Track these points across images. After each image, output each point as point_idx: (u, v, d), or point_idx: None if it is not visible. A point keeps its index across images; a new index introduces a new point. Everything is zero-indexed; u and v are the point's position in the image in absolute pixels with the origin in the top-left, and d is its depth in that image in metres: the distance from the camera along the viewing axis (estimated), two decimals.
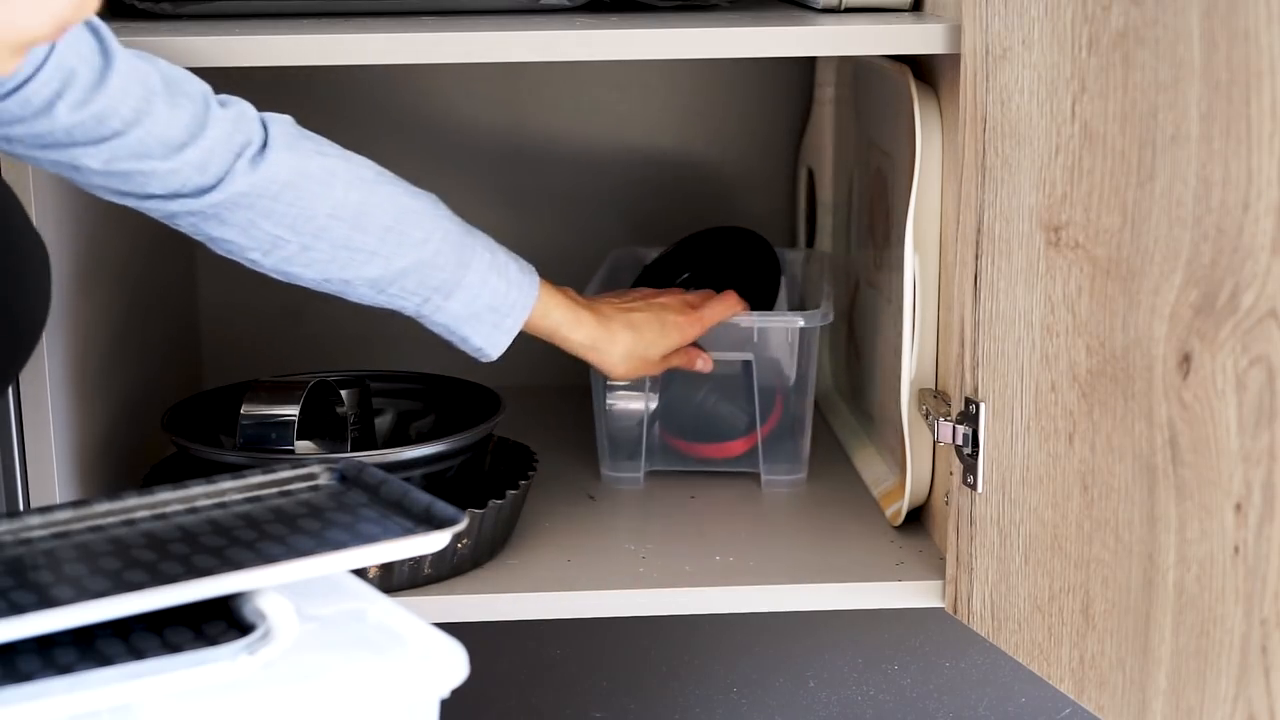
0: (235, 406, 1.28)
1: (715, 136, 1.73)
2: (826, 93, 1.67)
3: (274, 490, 1.03)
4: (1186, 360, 0.99)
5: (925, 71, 1.32)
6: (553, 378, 1.61)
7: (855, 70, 1.58)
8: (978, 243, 1.17)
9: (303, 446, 1.33)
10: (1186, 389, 0.99)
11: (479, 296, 1.20)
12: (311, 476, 1.04)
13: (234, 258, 1.16)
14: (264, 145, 1.12)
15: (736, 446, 1.47)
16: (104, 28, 1.07)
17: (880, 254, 1.46)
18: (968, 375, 1.20)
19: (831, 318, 1.43)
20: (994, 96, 1.14)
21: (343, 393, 1.36)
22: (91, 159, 1.07)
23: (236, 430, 1.26)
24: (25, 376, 1.21)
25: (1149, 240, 1.01)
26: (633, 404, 1.45)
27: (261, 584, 0.88)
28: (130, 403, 1.43)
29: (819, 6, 1.30)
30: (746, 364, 1.43)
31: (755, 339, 1.43)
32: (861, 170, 1.54)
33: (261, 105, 1.14)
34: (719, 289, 1.39)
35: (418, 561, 1.24)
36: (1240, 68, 0.92)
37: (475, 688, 0.93)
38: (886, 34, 1.22)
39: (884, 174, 1.44)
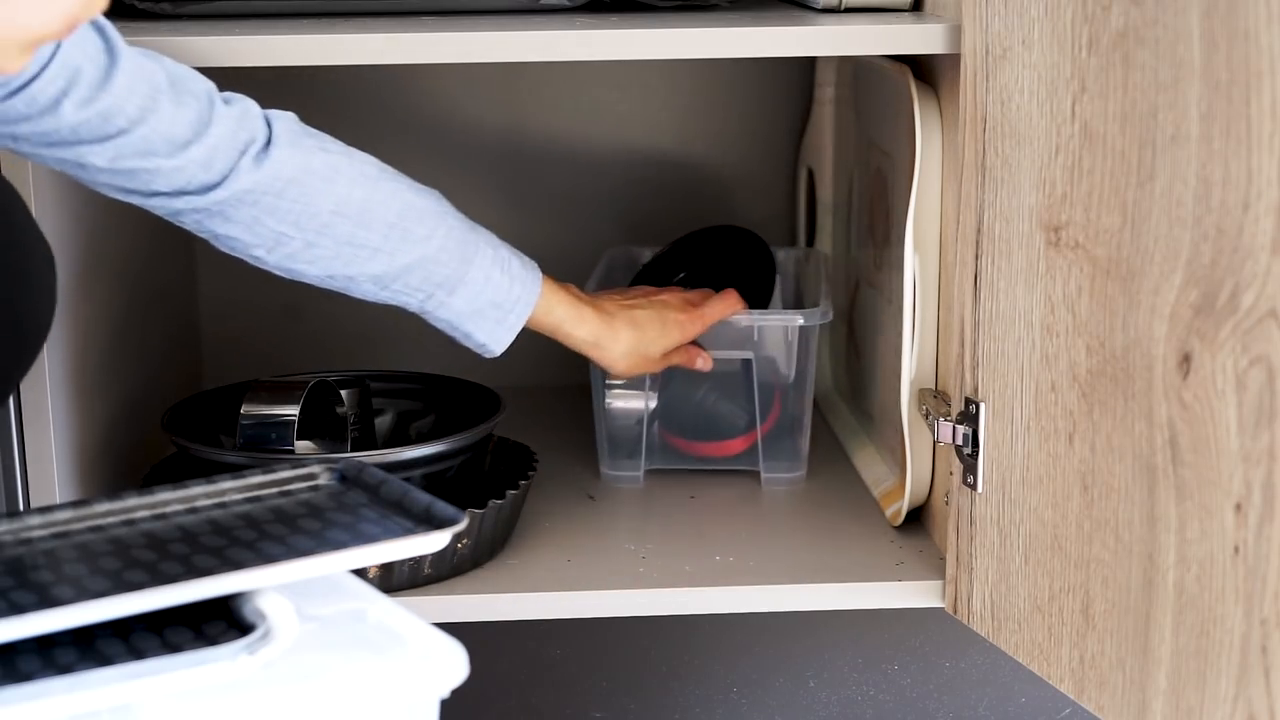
0: (235, 406, 1.28)
1: (715, 136, 1.73)
2: (826, 93, 1.67)
3: (274, 490, 1.03)
4: (1186, 360, 0.99)
5: (925, 71, 1.32)
6: (553, 378, 1.61)
7: (855, 70, 1.58)
8: (978, 243, 1.17)
9: (303, 446, 1.33)
10: (1186, 389, 0.99)
11: (482, 293, 1.20)
12: (311, 476, 1.04)
13: (238, 255, 1.16)
14: (268, 142, 1.12)
15: (736, 445, 1.47)
16: (109, 26, 1.07)
17: (880, 254, 1.46)
18: (968, 375, 1.20)
19: (831, 316, 1.43)
20: (994, 96, 1.14)
21: (343, 393, 1.36)
22: (97, 157, 1.07)
23: (236, 430, 1.26)
24: (25, 376, 1.21)
25: (1149, 240, 1.01)
26: (632, 403, 1.45)
27: (261, 584, 0.88)
28: (130, 403, 1.43)
29: (819, 6, 1.30)
30: (746, 362, 1.44)
31: (755, 337, 1.43)
32: (861, 170, 1.54)
33: (263, 104, 1.14)
34: (715, 288, 1.40)
35: (418, 561, 1.24)
36: (1240, 68, 0.92)
37: (475, 688, 0.93)
38: (886, 34, 1.22)
39: (884, 174, 1.44)
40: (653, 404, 1.45)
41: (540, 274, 1.25)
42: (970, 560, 1.21)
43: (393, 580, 1.24)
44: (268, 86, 1.21)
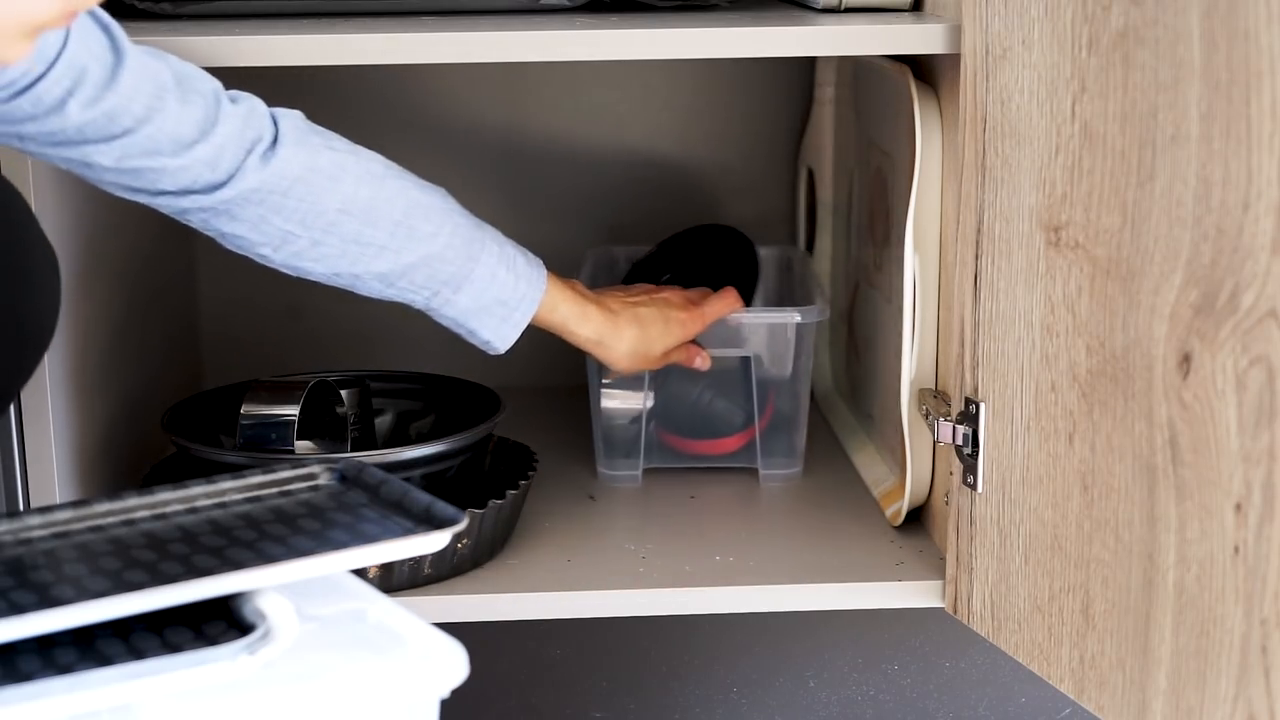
0: (235, 406, 1.28)
1: (715, 136, 1.73)
2: (826, 93, 1.67)
3: (274, 490, 1.03)
4: (1186, 360, 0.99)
5: (925, 71, 1.32)
6: (553, 378, 1.61)
7: (855, 70, 1.58)
8: (978, 243, 1.17)
9: (303, 446, 1.33)
10: (1186, 389, 0.99)
11: (487, 290, 1.20)
12: (311, 476, 1.04)
13: (244, 253, 1.16)
14: (274, 141, 1.12)
15: (732, 443, 1.47)
16: (115, 25, 1.07)
17: (880, 254, 1.46)
18: (968, 375, 1.20)
19: (828, 314, 1.43)
20: (994, 96, 1.14)
21: (343, 393, 1.36)
22: (103, 156, 1.07)
23: (236, 430, 1.26)
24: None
25: (1149, 240, 1.01)
26: (629, 402, 1.46)
27: (261, 584, 0.88)
28: (130, 403, 1.43)
29: (819, 6, 1.30)
30: (744, 360, 1.44)
31: (752, 335, 1.43)
32: (861, 170, 1.54)
33: (265, 103, 1.14)
34: (699, 286, 1.40)
35: (418, 561, 1.24)
36: (1240, 68, 0.92)
37: (475, 688, 0.93)
38: (886, 34, 1.22)
39: (884, 174, 1.44)
40: (649, 403, 1.46)
41: (545, 271, 1.25)
42: (970, 560, 1.21)
43: (393, 580, 1.24)
44: (268, 86, 1.21)
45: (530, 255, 1.24)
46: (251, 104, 1.13)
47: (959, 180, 1.19)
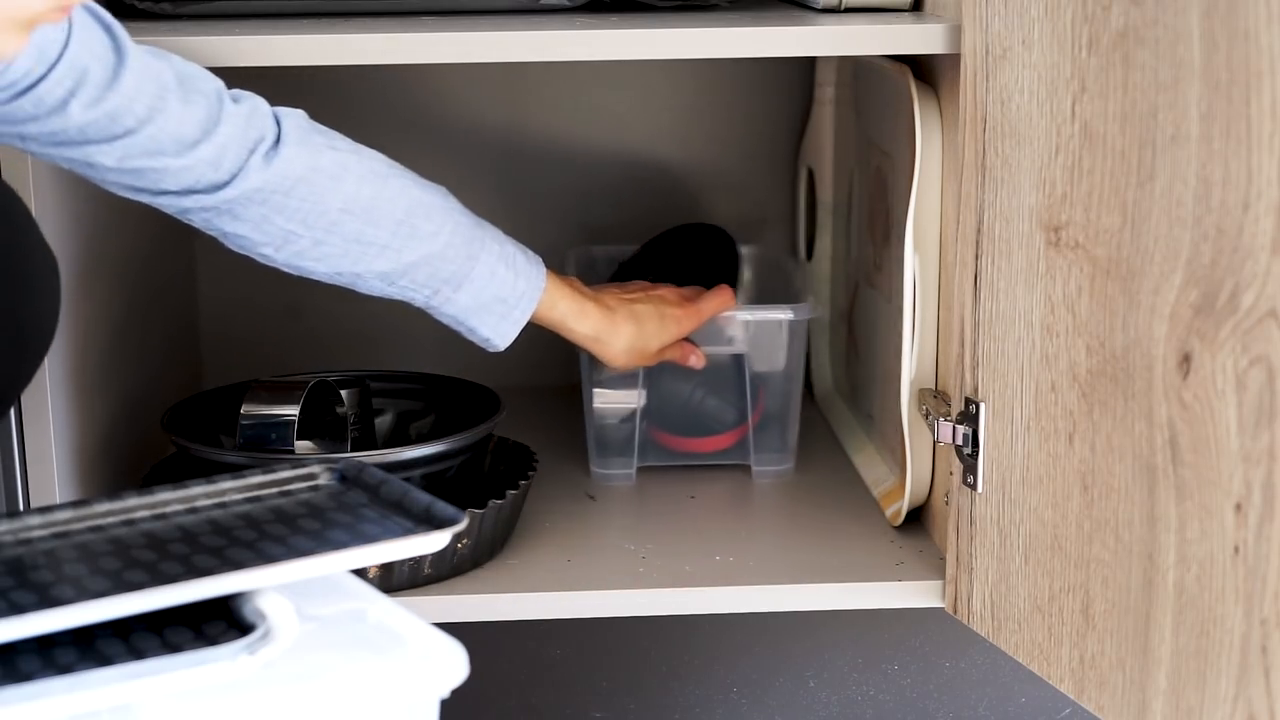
0: (235, 406, 1.28)
1: (715, 136, 1.73)
2: (826, 93, 1.67)
3: (274, 490, 1.03)
4: (1186, 360, 0.99)
5: (925, 71, 1.32)
6: (553, 378, 1.61)
7: (855, 70, 1.58)
8: (978, 243, 1.17)
9: (303, 446, 1.33)
10: (1186, 389, 0.99)
11: (487, 288, 1.21)
12: (311, 476, 1.04)
13: (245, 253, 1.16)
14: (277, 141, 1.12)
15: (724, 440, 1.48)
16: (117, 26, 1.07)
17: (880, 254, 1.46)
18: (968, 375, 1.20)
19: (820, 312, 1.44)
20: (994, 96, 1.14)
21: (343, 393, 1.36)
22: (105, 156, 1.07)
23: (236, 430, 1.26)
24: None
25: (1149, 240, 1.01)
26: (622, 401, 1.46)
27: (261, 584, 0.88)
28: (130, 403, 1.43)
29: (819, 6, 1.30)
30: (736, 358, 1.45)
31: (745, 333, 1.44)
32: (861, 170, 1.54)
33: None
34: (682, 285, 1.40)
35: (418, 561, 1.24)
36: (1240, 68, 0.92)
37: (475, 688, 0.93)
38: (886, 34, 1.22)
39: (884, 174, 1.44)
40: (642, 402, 1.46)
41: (544, 268, 1.25)
42: (970, 560, 1.21)
43: (393, 580, 1.24)
44: (268, 85, 1.20)
45: (529, 252, 1.25)
46: (254, 103, 1.13)
47: (959, 180, 1.19)
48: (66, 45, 1.03)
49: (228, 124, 1.10)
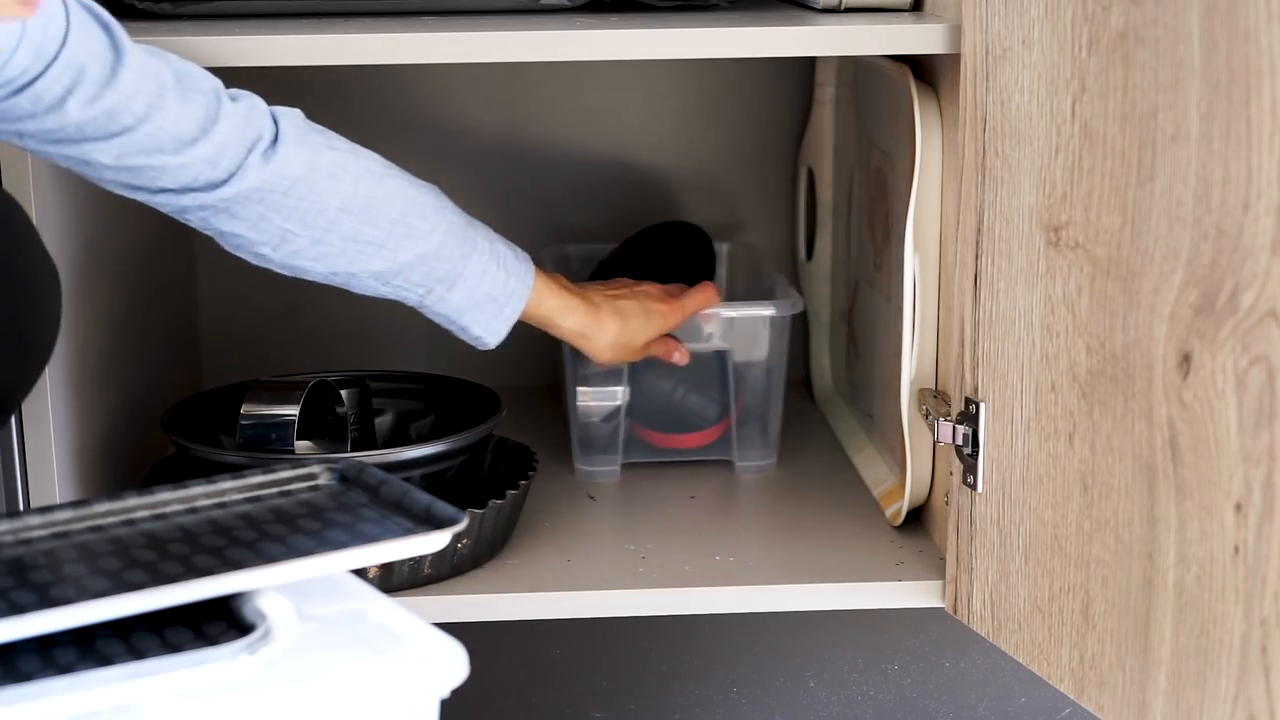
0: (235, 406, 1.28)
1: (716, 136, 1.73)
2: (826, 93, 1.67)
3: (274, 490, 1.03)
4: (1186, 360, 0.99)
5: (925, 71, 1.32)
6: (553, 377, 1.61)
7: (855, 70, 1.58)
8: (978, 243, 1.17)
9: (303, 446, 1.33)
10: (1186, 389, 0.99)
11: (479, 287, 1.21)
12: (311, 476, 1.04)
13: (242, 253, 1.16)
14: (275, 140, 1.12)
15: (706, 436, 1.49)
16: (115, 24, 1.07)
17: (880, 254, 1.46)
18: (968, 375, 1.20)
19: (802, 308, 1.46)
20: (994, 96, 1.14)
21: (343, 393, 1.36)
22: (103, 154, 1.08)
23: (236, 430, 1.26)
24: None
25: (1149, 240, 1.01)
26: (605, 399, 1.47)
27: (261, 584, 0.88)
28: (130, 403, 1.43)
29: (819, 6, 1.30)
30: (719, 354, 1.45)
31: (727, 329, 1.46)
32: (861, 170, 1.54)
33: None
34: (660, 281, 1.41)
35: (418, 561, 1.24)
36: (1240, 68, 0.92)
37: (475, 688, 0.93)
38: (886, 34, 1.22)
39: (884, 174, 1.44)
40: (626, 399, 1.47)
41: (533, 266, 1.26)
42: (970, 560, 1.21)
43: (393, 580, 1.24)
44: (268, 85, 1.21)
45: (519, 251, 1.25)
46: (252, 102, 1.13)
47: (959, 180, 1.19)
48: (64, 43, 1.03)
49: (226, 122, 1.10)
